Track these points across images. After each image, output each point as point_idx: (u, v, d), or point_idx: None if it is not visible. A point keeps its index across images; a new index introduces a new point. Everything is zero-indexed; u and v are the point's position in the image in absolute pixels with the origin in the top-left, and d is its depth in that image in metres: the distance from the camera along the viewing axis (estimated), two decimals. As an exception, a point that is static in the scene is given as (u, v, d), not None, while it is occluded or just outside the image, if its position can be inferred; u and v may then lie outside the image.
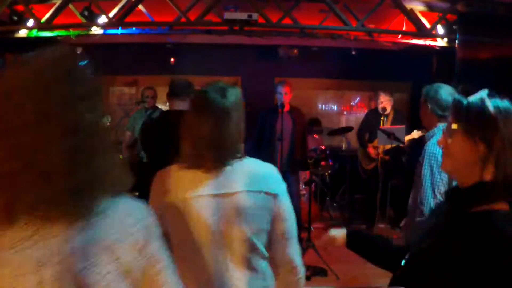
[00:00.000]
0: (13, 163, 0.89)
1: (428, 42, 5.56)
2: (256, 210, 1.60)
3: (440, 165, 1.38)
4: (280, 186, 1.70)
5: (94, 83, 1.02)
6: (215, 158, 1.59)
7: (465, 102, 1.31)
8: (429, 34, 5.23)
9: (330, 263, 4.46)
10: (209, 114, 1.59)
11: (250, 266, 1.61)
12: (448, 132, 1.32)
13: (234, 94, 1.66)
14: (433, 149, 2.48)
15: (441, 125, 2.58)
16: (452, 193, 1.34)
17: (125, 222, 0.99)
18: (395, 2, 5.02)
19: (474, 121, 1.26)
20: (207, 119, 1.59)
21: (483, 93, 1.32)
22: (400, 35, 5.78)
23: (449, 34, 5.11)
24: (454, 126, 1.30)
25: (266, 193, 1.63)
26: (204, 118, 1.60)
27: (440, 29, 5.19)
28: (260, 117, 5.17)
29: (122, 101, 7.53)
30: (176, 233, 1.59)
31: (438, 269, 1.22)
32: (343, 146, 6.75)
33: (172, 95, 3.31)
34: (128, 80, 7.51)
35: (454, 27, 4.99)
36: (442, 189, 2.46)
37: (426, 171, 2.47)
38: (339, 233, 1.71)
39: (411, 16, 5.14)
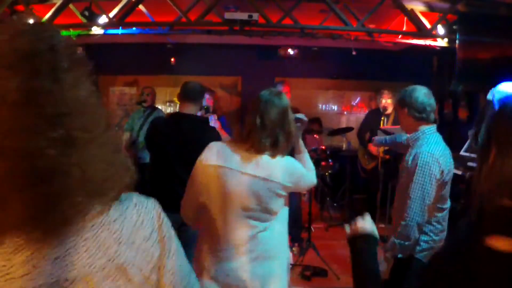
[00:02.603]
0: None
1: (428, 42, 5.56)
2: (273, 195, 2.02)
3: None
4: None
5: (79, 56, 0.87)
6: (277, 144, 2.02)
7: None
8: (429, 34, 5.23)
9: (330, 263, 4.46)
10: (273, 108, 2.02)
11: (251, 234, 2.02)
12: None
13: (285, 98, 2.10)
14: (427, 158, 2.42)
15: (425, 128, 2.56)
16: None
17: (137, 235, 0.85)
18: (395, 2, 5.02)
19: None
20: (273, 110, 2.02)
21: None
22: (400, 35, 5.78)
23: (449, 34, 5.11)
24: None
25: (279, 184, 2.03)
26: (271, 109, 2.02)
27: (440, 29, 5.19)
28: None
29: (122, 101, 7.53)
30: (209, 192, 2.02)
31: None
32: (344, 146, 6.75)
33: (184, 98, 3.29)
34: (128, 80, 7.51)
35: (454, 27, 4.99)
36: (432, 198, 2.43)
37: (418, 179, 2.41)
38: (368, 228, 1.61)
39: (411, 16, 5.14)
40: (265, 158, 2.00)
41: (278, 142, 2.01)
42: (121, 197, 0.87)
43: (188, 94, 3.28)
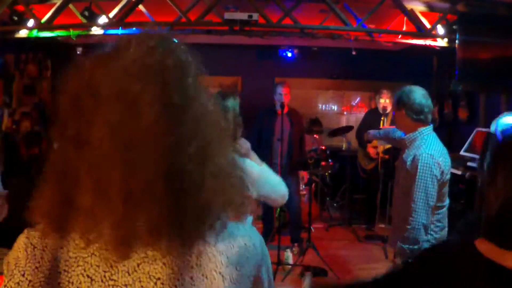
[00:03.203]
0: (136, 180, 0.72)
1: (428, 42, 5.56)
2: None
3: None
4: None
5: (199, 68, 0.86)
6: None
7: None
8: (429, 34, 5.23)
9: (330, 263, 4.46)
10: None
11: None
12: None
13: (233, 101, 2.20)
14: (427, 160, 2.42)
15: (423, 129, 2.56)
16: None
17: (239, 273, 0.80)
18: (395, 2, 5.02)
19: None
20: None
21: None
22: (400, 35, 5.78)
23: (449, 34, 5.10)
24: None
25: None
26: None
27: (440, 29, 5.18)
28: (258, 118, 5.18)
29: (122, 101, 7.53)
30: None
31: None
32: (343, 146, 6.75)
33: None
34: (128, 80, 7.50)
35: (454, 27, 4.99)
36: (435, 199, 2.43)
37: (421, 181, 2.41)
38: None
39: (411, 16, 5.14)
40: None
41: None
42: (229, 226, 0.81)
43: None
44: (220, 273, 0.78)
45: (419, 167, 2.42)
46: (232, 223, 0.82)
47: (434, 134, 2.60)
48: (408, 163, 2.50)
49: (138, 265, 0.76)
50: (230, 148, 0.84)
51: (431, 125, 2.62)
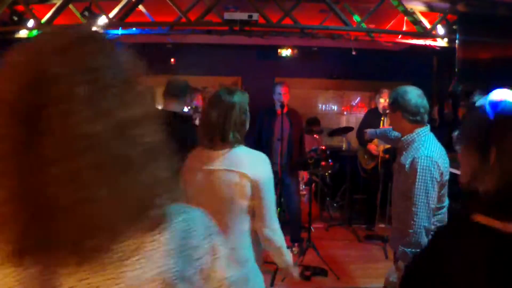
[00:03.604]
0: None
1: (428, 42, 5.57)
2: (243, 188, 2.03)
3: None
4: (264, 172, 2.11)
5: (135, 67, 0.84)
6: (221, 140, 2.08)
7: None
8: (429, 34, 5.23)
9: (330, 263, 4.46)
10: (219, 105, 2.09)
11: (239, 230, 2.05)
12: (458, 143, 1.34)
13: (241, 95, 2.14)
14: (426, 162, 2.38)
15: (420, 130, 2.52)
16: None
17: (186, 246, 0.82)
18: (395, 2, 5.02)
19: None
20: (216, 110, 2.09)
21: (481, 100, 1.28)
22: (400, 35, 5.78)
23: (449, 34, 5.11)
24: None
25: (246, 175, 2.04)
26: (213, 109, 2.10)
27: (440, 29, 5.19)
28: (258, 118, 5.18)
29: (122, 101, 7.54)
30: (194, 194, 2.04)
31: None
32: (343, 146, 6.75)
33: (168, 95, 3.24)
34: (128, 80, 7.51)
35: (454, 27, 5.00)
36: (435, 201, 2.40)
37: (421, 184, 2.37)
38: None
39: (411, 16, 5.14)
40: (222, 153, 2.08)
41: (222, 138, 2.07)
42: (169, 208, 0.84)
43: (172, 91, 3.24)
44: (163, 263, 0.79)
45: (418, 170, 2.38)
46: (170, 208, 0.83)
47: (431, 134, 2.57)
48: (406, 165, 2.46)
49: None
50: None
51: (428, 126, 2.58)
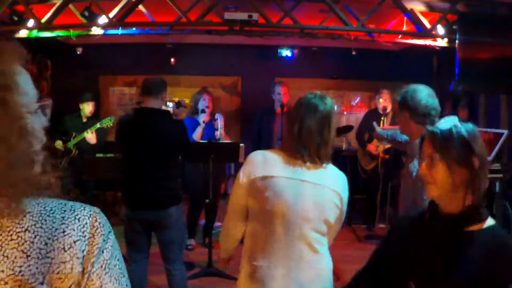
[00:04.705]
0: None
1: (428, 42, 5.56)
2: (333, 207, 1.91)
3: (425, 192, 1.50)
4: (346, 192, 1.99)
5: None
6: (318, 153, 1.89)
7: (438, 132, 1.42)
8: (429, 34, 5.23)
9: (330, 263, 4.46)
10: (317, 114, 1.90)
11: (312, 248, 1.89)
12: (428, 161, 1.44)
13: (330, 102, 1.97)
14: None
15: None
16: (440, 216, 1.46)
17: (54, 246, 0.78)
18: (395, 2, 5.02)
19: (453, 149, 1.38)
20: (316, 117, 1.89)
21: (452, 120, 1.43)
22: (400, 35, 5.78)
23: (449, 34, 5.10)
24: (434, 156, 1.42)
25: (341, 197, 1.94)
26: (312, 116, 1.89)
27: (440, 29, 5.19)
28: (257, 118, 5.18)
29: (122, 101, 7.53)
30: (261, 204, 1.87)
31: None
32: (343, 146, 6.75)
33: (145, 93, 3.29)
34: (128, 80, 7.51)
35: (454, 27, 4.99)
36: None
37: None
38: None
39: (411, 16, 5.14)
40: (317, 166, 1.91)
41: (317, 151, 1.89)
42: (46, 204, 0.82)
43: (148, 89, 3.28)
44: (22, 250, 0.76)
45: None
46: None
47: None
48: (414, 173, 2.26)
49: None
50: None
51: None
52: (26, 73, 0.85)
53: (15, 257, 0.75)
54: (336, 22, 5.36)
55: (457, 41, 4.78)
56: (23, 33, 5.20)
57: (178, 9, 5.08)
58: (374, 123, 3.59)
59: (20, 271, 0.75)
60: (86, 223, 0.82)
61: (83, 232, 0.81)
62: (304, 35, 6.05)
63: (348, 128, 6.32)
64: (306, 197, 1.86)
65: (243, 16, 4.86)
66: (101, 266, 0.81)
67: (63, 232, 0.79)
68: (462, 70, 4.74)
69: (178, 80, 7.26)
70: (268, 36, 6.12)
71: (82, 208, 0.84)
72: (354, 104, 7.81)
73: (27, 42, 5.33)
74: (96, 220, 0.84)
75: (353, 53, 6.46)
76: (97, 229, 0.83)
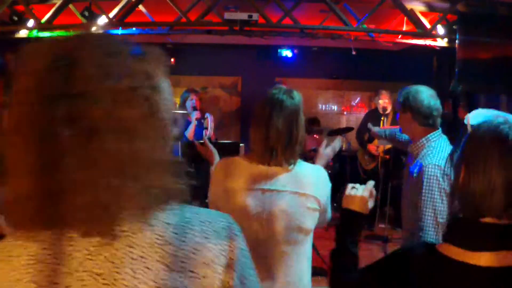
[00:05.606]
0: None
1: (428, 42, 5.56)
2: (305, 211, 1.77)
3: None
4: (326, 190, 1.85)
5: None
6: (286, 155, 1.73)
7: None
8: (429, 34, 5.23)
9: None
10: (282, 112, 1.73)
11: (290, 261, 1.77)
12: None
13: (298, 96, 1.80)
14: (434, 171, 2.14)
15: (430, 136, 2.30)
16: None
17: (196, 260, 0.75)
18: (395, 2, 5.02)
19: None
20: (281, 116, 1.72)
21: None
22: (400, 35, 5.78)
23: (449, 34, 5.11)
24: None
25: (315, 198, 1.78)
26: (278, 115, 1.72)
27: (440, 29, 5.19)
28: None
29: (122, 101, 7.54)
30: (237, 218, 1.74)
31: None
32: (343, 146, 6.75)
33: None
34: (128, 80, 7.51)
35: (454, 27, 4.99)
36: (445, 215, 2.12)
37: (427, 196, 2.14)
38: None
39: (411, 16, 5.14)
40: (284, 170, 1.75)
41: (284, 152, 1.73)
42: (184, 212, 0.80)
43: None
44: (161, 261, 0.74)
45: (424, 180, 2.14)
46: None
47: (443, 138, 2.34)
48: (414, 174, 2.24)
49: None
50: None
51: (440, 130, 2.35)
52: (167, 80, 0.83)
53: (158, 270, 0.73)
54: (336, 22, 5.36)
55: (457, 41, 4.78)
56: (23, 33, 5.21)
57: (178, 9, 5.08)
58: (369, 124, 3.57)
59: (164, 284, 0.73)
60: (225, 236, 0.79)
61: (222, 246, 0.78)
62: (304, 35, 6.06)
63: (347, 129, 6.34)
64: (272, 206, 1.72)
65: (243, 16, 4.86)
66: (241, 282, 0.79)
67: (204, 245, 0.76)
68: (462, 70, 4.74)
69: (178, 80, 7.27)
70: (268, 36, 6.12)
71: (219, 219, 0.82)
72: (354, 104, 7.81)
73: (27, 42, 5.33)
74: (233, 232, 0.81)
75: (353, 53, 6.46)
76: (234, 241, 0.80)
